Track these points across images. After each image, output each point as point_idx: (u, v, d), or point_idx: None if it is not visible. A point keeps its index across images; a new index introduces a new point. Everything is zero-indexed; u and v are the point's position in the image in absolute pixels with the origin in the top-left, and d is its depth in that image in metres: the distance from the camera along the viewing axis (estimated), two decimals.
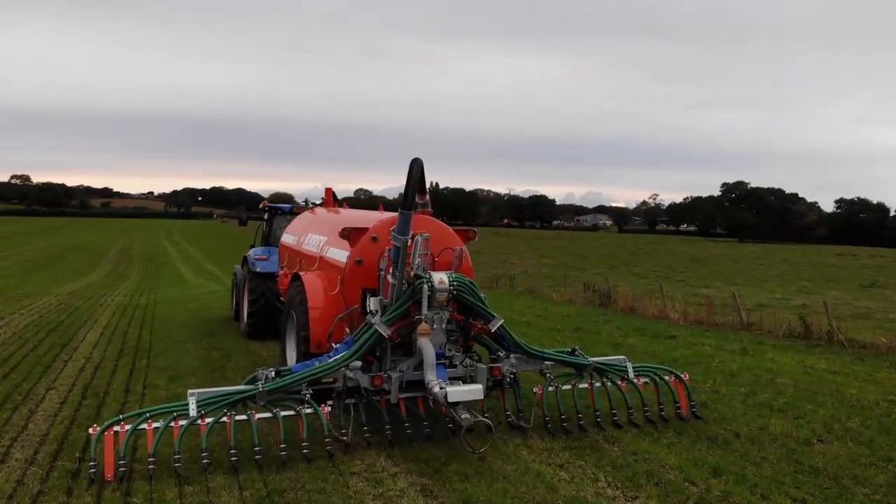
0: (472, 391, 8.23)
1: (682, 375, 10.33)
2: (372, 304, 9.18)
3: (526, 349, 9.67)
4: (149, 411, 7.84)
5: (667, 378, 10.26)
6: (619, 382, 9.98)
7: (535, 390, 9.70)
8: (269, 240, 17.07)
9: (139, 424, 7.60)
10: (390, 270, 9.05)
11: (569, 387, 9.77)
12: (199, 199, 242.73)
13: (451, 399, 8.02)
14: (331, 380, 8.53)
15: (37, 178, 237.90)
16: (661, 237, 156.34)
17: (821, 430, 9.62)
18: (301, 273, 11.13)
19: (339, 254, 10.33)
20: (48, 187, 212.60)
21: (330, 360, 8.59)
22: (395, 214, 10.40)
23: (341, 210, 13.90)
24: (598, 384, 9.93)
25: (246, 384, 8.35)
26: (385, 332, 8.70)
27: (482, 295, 9.38)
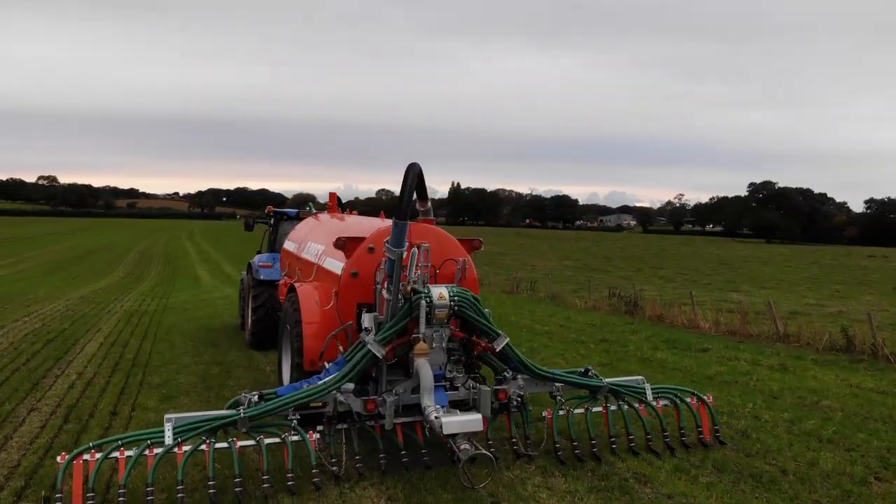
0: (470, 422, 7.31)
1: (704, 397, 9.48)
2: (366, 320, 8.42)
3: (534, 370, 8.82)
4: (122, 438, 7.12)
5: (688, 400, 9.44)
6: (636, 405, 9.15)
7: (544, 414, 8.87)
8: (275, 246, 16.32)
9: (111, 452, 6.93)
10: (386, 284, 8.26)
11: (581, 411, 8.95)
12: (224, 199, 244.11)
13: (446, 431, 7.18)
14: (319, 404, 7.79)
15: (64, 178, 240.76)
16: (686, 238, 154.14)
17: (877, 466, 8.57)
18: (296, 284, 10.36)
19: (335, 265, 9.56)
20: (74, 188, 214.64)
21: (319, 383, 7.86)
22: (415, 222, 9.63)
23: (346, 216, 13.09)
24: (613, 407, 9.09)
25: (228, 408, 7.66)
26: (379, 352, 7.94)
27: (486, 311, 8.60)
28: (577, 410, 8.90)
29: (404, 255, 8.01)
